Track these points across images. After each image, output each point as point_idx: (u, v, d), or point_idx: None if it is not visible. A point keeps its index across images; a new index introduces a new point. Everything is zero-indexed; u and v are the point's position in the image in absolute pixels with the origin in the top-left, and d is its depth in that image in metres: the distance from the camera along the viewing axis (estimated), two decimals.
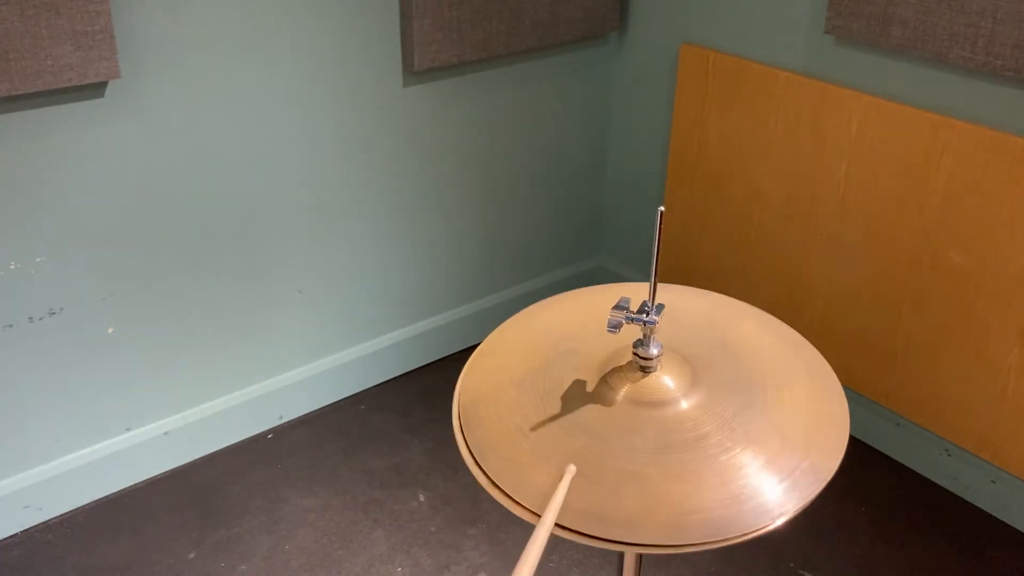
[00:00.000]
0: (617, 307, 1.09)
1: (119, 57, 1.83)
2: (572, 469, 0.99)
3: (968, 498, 2.16)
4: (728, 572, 1.96)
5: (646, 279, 2.79)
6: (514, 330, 1.25)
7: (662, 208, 1.01)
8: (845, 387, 2.27)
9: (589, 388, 1.11)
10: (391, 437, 2.32)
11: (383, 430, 2.35)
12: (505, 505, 1.00)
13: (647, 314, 1.08)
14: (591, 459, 1.01)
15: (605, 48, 2.62)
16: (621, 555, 1.21)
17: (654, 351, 1.09)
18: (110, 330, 2.02)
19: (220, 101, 2.00)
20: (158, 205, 2.00)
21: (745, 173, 2.36)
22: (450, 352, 2.62)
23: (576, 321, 1.24)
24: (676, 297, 1.27)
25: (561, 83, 2.56)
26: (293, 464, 2.23)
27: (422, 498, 2.14)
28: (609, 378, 1.11)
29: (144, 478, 2.17)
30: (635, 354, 1.10)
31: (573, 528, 0.95)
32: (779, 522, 0.97)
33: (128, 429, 2.13)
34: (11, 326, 1.89)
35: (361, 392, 2.48)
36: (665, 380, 1.10)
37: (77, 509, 2.09)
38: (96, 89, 1.84)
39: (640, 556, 1.21)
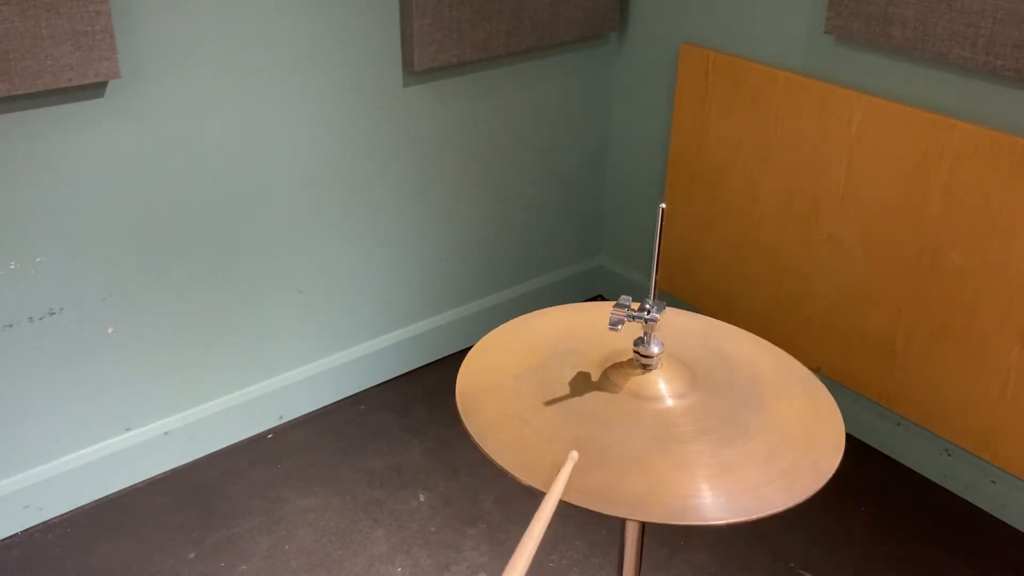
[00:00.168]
0: (618, 305, 1.09)
1: (119, 57, 1.83)
2: (574, 455, 1.00)
3: (968, 498, 2.16)
4: (728, 572, 1.96)
5: (646, 279, 2.79)
6: (510, 333, 1.25)
7: (663, 205, 1.01)
8: (845, 387, 2.28)
9: (590, 382, 1.11)
10: (391, 437, 2.32)
11: (383, 430, 2.35)
12: (514, 475, 1.01)
13: (648, 312, 1.08)
14: (595, 444, 1.03)
15: (605, 48, 2.62)
16: (621, 556, 1.21)
17: (655, 349, 1.10)
18: (110, 330, 2.02)
19: (220, 101, 2.00)
20: (158, 205, 2.00)
21: (745, 173, 2.36)
22: (450, 352, 2.62)
23: (574, 326, 1.25)
24: (670, 318, 1.28)
25: (561, 83, 2.56)
26: (293, 464, 2.23)
27: (422, 498, 2.13)
28: (610, 373, 1.12)
29: (144, 478, 2.17)
30: (636, 352, 1.10)
31: (576, 503, 0.97)
32: (780, 509, 0.97)
33: (128, 429, 2.13)
34: (11, 326, 1.89)
35: (361, 392, 2.48)
36: (666, 376, 1.11)
37: (77, 509, 2.09)
38: (96, 89, 1.84)
39: (640, 556, 1.21)
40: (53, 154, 1.83)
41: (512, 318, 1.29)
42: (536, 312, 1.30)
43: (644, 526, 1.21)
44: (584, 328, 1.23)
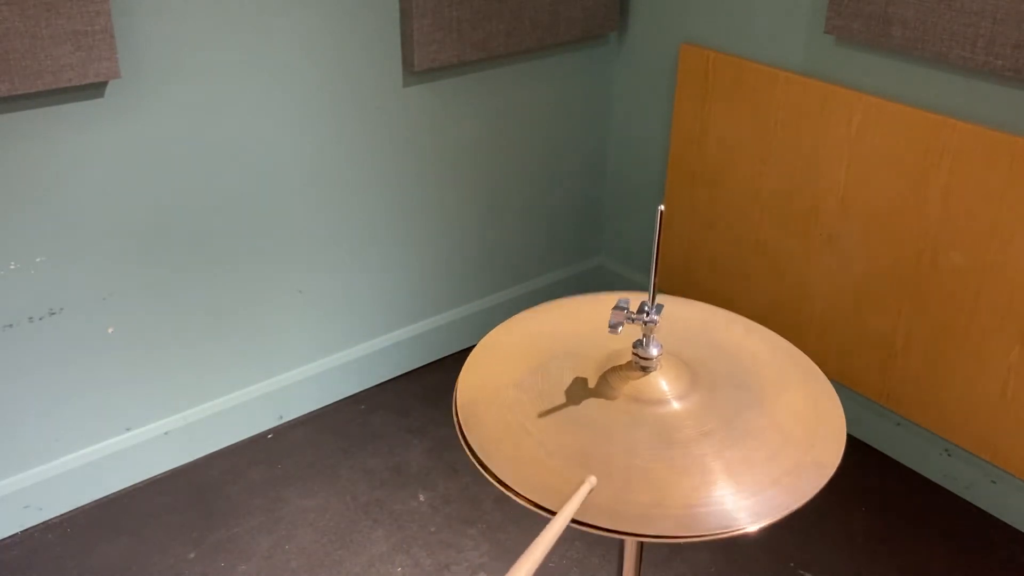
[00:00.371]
0: (617, 307, 1.09)
1: (119, 57, 1.83)
2: (592, 480, 0.98)
3: (968, 498, 2.16)
4: (728, 572, 1.96)
5: (646, 279, 2.79)
6: (508, 334, 1.25)
7: (662, 207, 1.01)
8: (845, 387, 2.28)
9: (590, 387, 1.11)
10: (391, 437, 2.32)
11: (383, 430, 2.35)
12: (517, 501, 1.00)
13: (647, 314, 1.08)
14: (597, 454, 1.02)
15: (605, 48, 2.62)
16: (621, 556, 1.21)
17: (654, 351, 1.10)
18: (110, 330, 2.02)
19: (220, 101, 2.00)
20: (158, 205, 2.00)
21: (745, 173, 2.36)
22: (450, 352, 2.62)
23: (571, 325, 1.25)
24: (668, 307, 1.27)
25: (561, 83, 2.56)
26: (293, 464, 2.23)
27: (422, 498, 2.14)
28: (609, 377, 1.11)
29: (144, 478, 2.17)
30: (635, 354, 1.10)
31: (583, 521, 0.96)
32: (785, 515, 0.97)
33: (128, 429, 2.13)
34: (11, 326, 1.89)
35: (361, 392, 2.48)
36: (666, 379, 1.10)
37: (77, 509, 2.09)
38: (96, 89, 1.84)
39: (640, 556, 1.21)
40: (53, 154, 1.83)
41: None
42: (531, 309, 1.30)
43: None
44: (582, 329, 1.22)
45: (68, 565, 1.95)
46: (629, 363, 1.11)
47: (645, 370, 1.10)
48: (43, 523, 2.05)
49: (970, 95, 1.94)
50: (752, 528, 0.95)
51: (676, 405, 1.08)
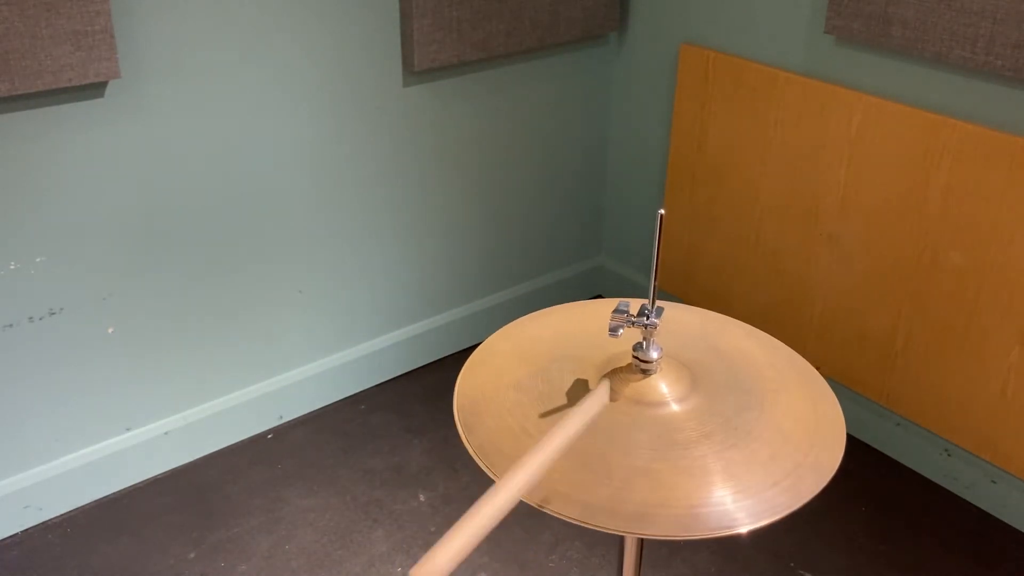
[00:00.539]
0: (617, 311, 1.09)
1: (119, 57, 1.83)
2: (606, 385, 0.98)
3: (968, 498, 2.16)
4: (728, 572, 1.96)
5: (646, 279, 2.79)
6: (507, 338, 1.25)
7: (662, 211, 1.01)
8: (845, 387, 2.28)
9: (590, 388, 1.11)
10: (391, 437, 2.33)
11: (383, 430, 2.35)
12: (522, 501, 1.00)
13: (647, 317, 1.08)
14: (598, 455, 1.02)
15: (605, 48, 2.62)
16: (621, 556, 1.21)
17: (654, 354, 1.10)
18: (110, 330, 2.02)
19: (220, 101, 2.00)
20: (158, 205, 2.00)
21: (745, 173, 2.36)
22: (450, 352, 2.62)
23: (571, 329, 1.25)
24: (668, 312, 1.28)
25: (561, 83, 2.56)
26: (293, 464, 2.23)
27: (422, 498, 2.14)
28: (610, 379, 1.12)
29: (144, 478, 2.17)
30: (635, 357, 1.10)
31: (584, 521, 0.96)
32: (785, 514, 0.97)
33: (128, 429, 2.13)
34: (11, 326, 1.89)
35: (361, 392, 2.48)
36: (666, 381, 1.11)
37: (77, 509, 2.09)
38: (96, 89, 1.84)
39: (640, 556, 1.21)
40: (53, 154, 1.83)
41: (512, 318, 1.28)
42: (531, 315, 1.30)
43: None
44: (581, 332, 1.22)
45: (68, 565, 1.95)
46: (629, 366, 1.12)
47: (645, 373, 1.10)
48: (43, 523, 2.05)
49: (970, 95, 1.94)
50: (752, 527, 0.95)
51: (676, 407, 1.09)
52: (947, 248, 2.01)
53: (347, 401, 2.45)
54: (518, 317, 1.29)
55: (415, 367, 2.57)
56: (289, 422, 2.37)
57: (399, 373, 2.55)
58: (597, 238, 2.87)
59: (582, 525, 0.96)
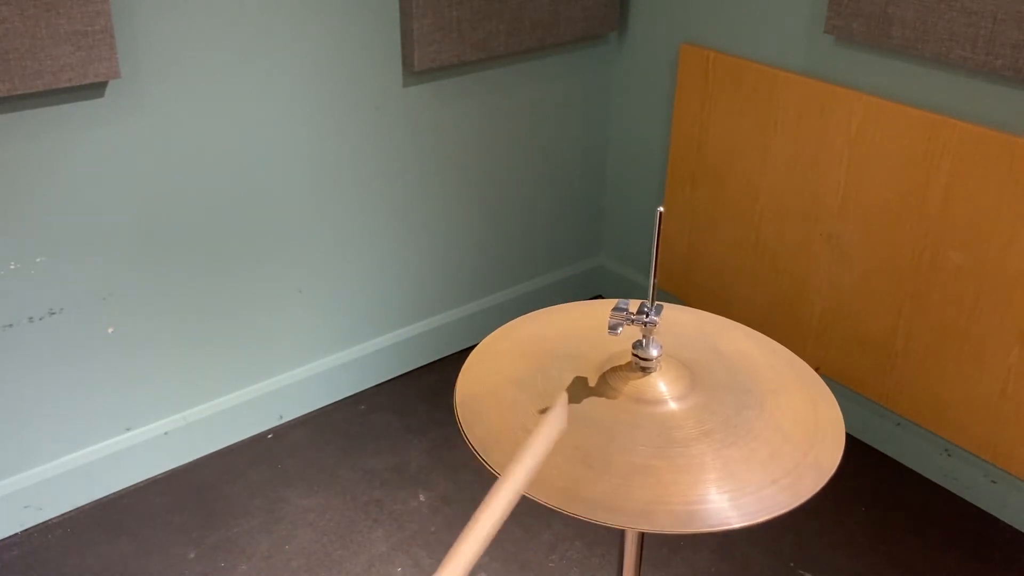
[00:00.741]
0: (617, 309, 1.09)
1: (119, 57, 1.83)
2: (564, 397, 0.99)
3: (968, 498, 2.16)
4: (727, 572, 1.96)
5: (646, 279, 2.79)
6: (507, 337, 1.25)
7: (661, 209, 1.01)
8: (845, 387, 2.28)
9: (589, 387, 1.11)
10: (391, 437, 2.33)
11: (383, 430, 2.35)
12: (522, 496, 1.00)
13: (647, 315, 1.08)
14: (598, 452, 1.02)
15: (605, 48, 2.62)
16: (621, 556, 1.21)
17: (654, 352, 1.10)
18: (110, 330, 2.02)
19: (220, 101, 2.00)
20: (158, 205, 2.00)
21: (745, 173, 2.36)
22: (450, 352, 2.62)
23: (571, 328, 1.25)
24: (667, 313, 1.28)
25: (561, 83, 2.56)
26: (293, 464, 2.23)
27: (422, 498, 2.14)
28: (609, 377, 1.12)
29: (144, 478, 2.17)
30: (635, 355, 1.10)
31: (584, 517, 0.96)
32: (784, 512, 0.97)
33: (128, 429, 2.13)
34: (11, 326, 1.89)
35: (361, 392, 2.48)
36: (666, 379, 1.11)
37: (77, 509, 2.09)
38: (96, 89, 1.84)
39: (640, 556, 1.21)
40: (53, 154, 1.83)
41: (512, 318, 1.29)
42: (531, 314, 1.30)
43: None
44: (581, 331, 1.22)
45: (68, 565, 1.95)
46: (629, 364, 1.12)
47: (645, 371, 1.10)
48: (43, 523, 2.05)
49: (970, 95, 1.94)
50: (751, 522, 0.95)
51: (675, 405, 1.09)
52: (947, 248, 2.01)
53: (347, 401, 2.45)
54: (517, 317, 1.29)
55: (415, 367, 2.57)
56: (289, 422, 2.37)
57: (399, 373, 2.55)
58: (597, 238, 2.87)
59: (582, 520, 0.96)
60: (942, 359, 2.09)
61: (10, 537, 2.01)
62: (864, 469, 2.26)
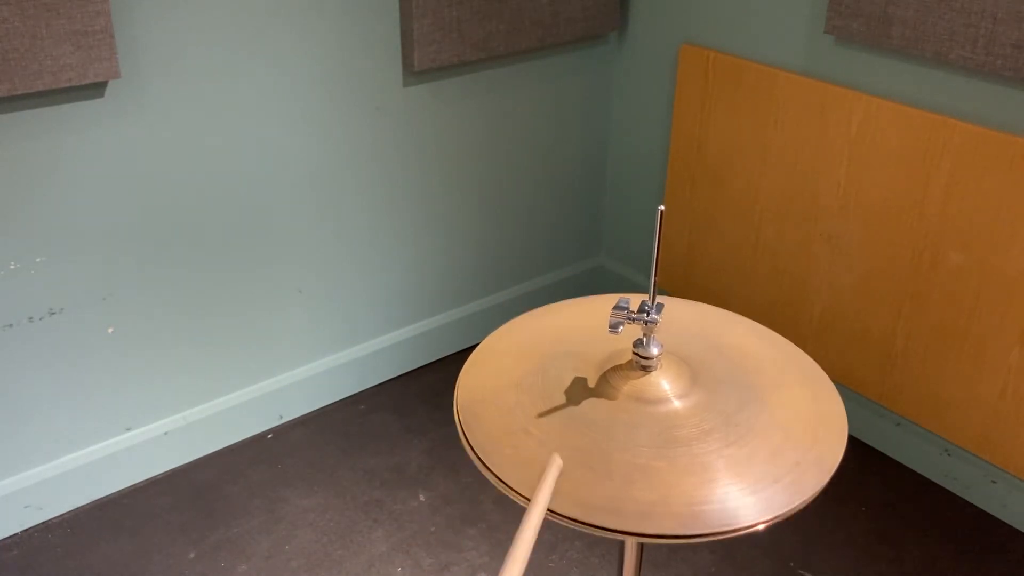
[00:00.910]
0: (617, 307, 1.09)
1: (119, 57, 1.83)
2: (558, 461, 0.98)
3: (968, 498, 2.16)
4: (727, 572, 1.96)
5: (646, 279, 2.79)
6: (508, 336, 1.25)
7: (662, 207, 1.01)
8: (845, 387, 2.28)
9: (590, 387, 1.11)
10: (391, 437, 2.32)
11: (383, 430, 2.35)
12: (518, 501, 1.00)
13: (648, 313, 1.08)
14: (598, 453, 1.02)
15: (605, 48, 2.62)
16: (621, 556, 1.21)
17: (654, 350, 1.09)
18: (110, 330, 2.02)
19: (220, 101, 2.00)
20: (158, 205, 2.00)
21: (745, 173, 2.36)
22: (450, 352, 2.62)
23: (571, 325, 1.24)
24: (668, 308, 1.28)
25: (561, 83, 2.56)
26: (293, 464, 2.23)
27: (422, 498, 2.13)
28: (610, 376, 1.11)
29: (144, 478, 2.17)
30: (636, 354, 1.10)
31: (585, 521, 0.96)
32: (788, 512, 0.97)
33: (128, 429, 2.13)
34: (11, 326, 1.89)
35: (361, 392, 2.48)
36: (666, 378, 1.10)
37: (77, 509, 2.09)
38: (96, 89, 1.84)
39: (640, 556, 1.21)
40: (53, 154, 1.83)
41: (512, 318, 1.28)
42: (532, 312, 1.30)
43: None
44: (581, 329, 1.22)
45: (68, 565, 1.95)
46: (629, 363, 1.11)
47: (646, 369, 1.10)
48: (43, 523, 2.05)
49: (970, 95, 1.94)
50: (757, 522, 0.95)
51: (677, 404, 1.09)
52: (947, 248, 2.01)
53: (347, 401, 2.45)
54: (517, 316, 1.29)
55: (415, 367, 2.57)
56: (289, 422, 2.37)
57: (399, 373, 2.55)
58: (597, 238, 2.87)
59: (585, 525, 0.96)
60: (942, 359, 2.09)
61: (10, 537, 2.01)
62: (864, 469, 2.26)
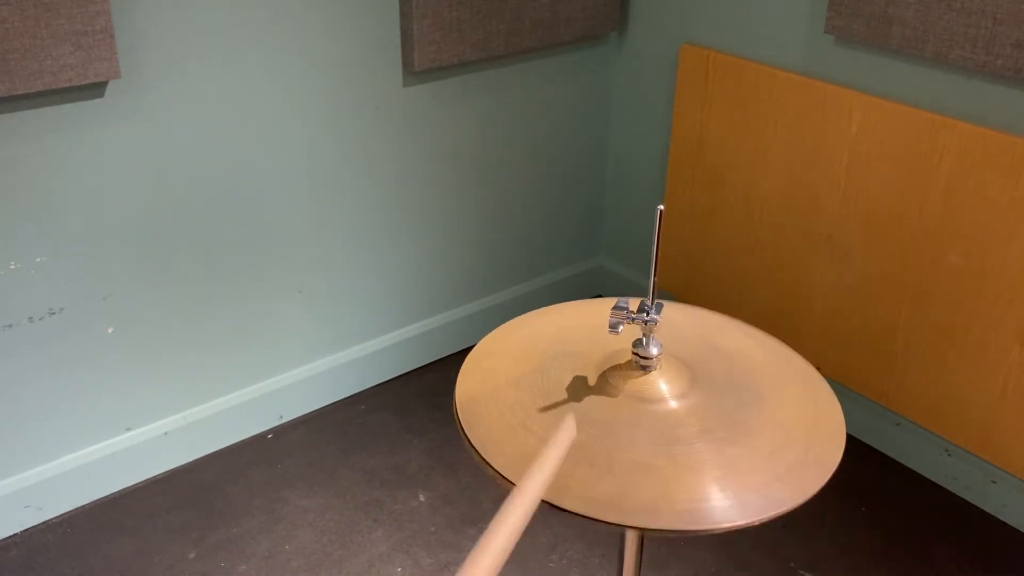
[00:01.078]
0: (617, 307, 1.09)
1: (119, 57, 1.83)
2: (572, 428, 0.98)
3: (968, 498, 2.16)
4: (727, 572, 1.95)
5: (646, 279, 2.79)
6: (506, 336, 1.25)
7: (661, 207, 1.01)
8: (845, 387, 2.28)
9: (589, 386, 1.11)
10: (391, 437, 2.32)
11: (383, 430, 2.35)
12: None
13: (647, 313, 1.08)
14: (600, 450, 1.02)
15: (605, 48, 2.62)
16: (621, 556, 1.21)
17: (654, 350, 1.10)
18: (110, 330, 2.02)
19: (220, 101, 2.00)
20: (158, 205, 2.00)
21: (745, 173, 2.36)
22: (450, 352, 2.62)
23: (569, 327, 1.25)
24: (667, 312, 1.28)
25: (561, 83, 2.56)
26: (293, 464, 2.23)
27: (422, 498, 2.14)
28: (609, 376, 1.12)
29: (144, 478, 2.17)
30: (635, 354, 1.10)
31: (588, 515, 0.96)
32: (789, 509, 0.97)
33: (128, 429, 2.13)
34: (11, 326, 1.89)
35: (361, 392, 2.48)
36: (666, 377, 1.11)
37: (77, 509, 2.09)
38: (96, 89, 1.84)
39: (640, 556, 1.21)
40: (53, 154, 1.83)
41: (512, 318, 1.28)
42: (531, 313, 1.30)
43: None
44: (580, 329, 1.22)
45: (68, 565, 1.95)
46: (629, 362, 1.11)
47: (645, 369, 1.10)
48: (43, 523, 2.05)
49: (970, 95, 1.94)
50: (757, 519, 0.95)
51: (676, 403, 1.09)
52: (947, 248, 2.01)
53: (347, 401, 2.45)
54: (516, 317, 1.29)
55: (415, 367, 2.57)
56: (289, 422, 2.37)
57: (399, 373, 2.55)
58: (597, 238, 2.87)
59: (586, 519, 0.96)
60: (942, 359, 2.09)
61: (10, 537, 2.01)
62: (864, 469, 2.26)
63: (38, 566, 1.94)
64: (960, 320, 2.03)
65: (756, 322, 2.22)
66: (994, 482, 2.10)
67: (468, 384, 1.15)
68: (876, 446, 2.31)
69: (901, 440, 2.25)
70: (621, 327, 1.08)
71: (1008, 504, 2.09)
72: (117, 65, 1.80)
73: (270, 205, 2.16)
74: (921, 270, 2.07)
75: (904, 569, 1.97)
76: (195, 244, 2.07)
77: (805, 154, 2.22)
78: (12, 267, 1.86)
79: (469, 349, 1.22)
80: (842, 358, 2.28)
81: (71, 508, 2.09)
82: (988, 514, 2.12)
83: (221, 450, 2.27)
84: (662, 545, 2.01)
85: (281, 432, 2.34)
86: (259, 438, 2.32)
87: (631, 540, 1.19)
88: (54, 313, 1.94)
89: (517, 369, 1.15)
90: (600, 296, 2.96)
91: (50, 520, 2.06)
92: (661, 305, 1.10)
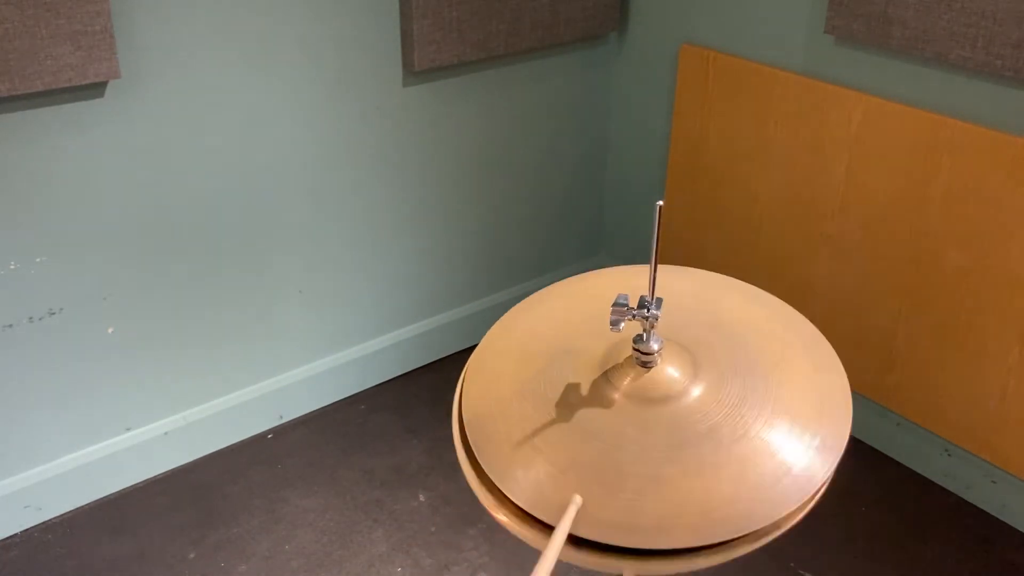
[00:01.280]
0: (617, 304, 1.08)
1: (119, 57, 1.83)
2: (578, 500, 0.96)
3: (968, 498, 2.15)
4: (727, 572, 1.95)
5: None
6: (505, 336, 1.22)
7: (660, 202, 1.01)
8: None
9: (593, 390, 1.09)
10: (391, 437, 2.32)
11: (383, 430, 2.35)
12: (529, 539, 0.97)
13: (647, 309, 1.07)
14: (609, 467, 0.99)
15: (605, 48, 2.62)
16: None
17: (655, 346, 1.09)
18: (110, 330, 2.02)
19: (220, 101, 2.00)
20: (158, 205, 2.00)
21: (745, 173, 2.36)
22: (450, 352, 2.62)
23: (564, 318, 1.23)
24: (666, 278, 1.26)
25: (561, 83, 2.56)
26: (293, 464, 2.23)
27: (422, 498, 2.13)
28: (611, 376, 1.10)
29: (144, 478, 2.17)
30: (636, 350, 1.10)
31: (599, 541, 0.93)
32: (799, 504, 0.96)
33: (128, 429, 2.13)
34: (11, 326, 1.89)
35: (361, 392, 2.48)
36: (668, 373, 1.09)
37: (77, 509, 2.09)
38: (96, 89, 1.84)
39: None
40: (53, 154, 1.83)
41: None
42: (525, 301, 1.28)
43: None
44: (579, 325, 1.21)
45: (68, 565, 1.95)
46: (629, 359, 1.11)
47: (646, 366, 1.09)
48: (43, 523, 2.05)
49: (970, 95, 1.94)
50: (773, 520, 0.93)
51: (681, 401, 1.07)
52: (947, 248, 2.01)
53: (347, 401, 2.45)
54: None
55: (415, 367, 2.57)
56: (289, 422, 2.37)
57: (399, 373, 2.55)
58: (597, 238, 2.87)
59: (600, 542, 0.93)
60: (942, 359, 2.09)
61: (10, 537, 2.01)
62: (864, 469, 2.26)
63: (38, 566, 1.94)
64: (960, 320, 2.03)
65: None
66: (994, 482, 2.10)
67: (469, 401, 1.11)
68: (876, 446, 2.31)
69: (901, 440, 2.25)
70: (622, 324, 1.07)
71: (1008, 504, 2.09)
72: (117, 65, 1.80)
73: (270, 204, 2.16)
74: (921, 270, 2.07)
75: (904, 569, 1.97)
76: (195, 244, 2.07)
77: (805, 154, 2.22)
78: (12, 267, 1.86)
79: (469, 349, 1.22)
80: (842, 358, 2.27)
81: (71, 508, 2.09)
82: (988, 514, 2.12)
83: (221, 450, 2.27)
84: None
85: (281, 432, 2.34)
86: (259, 438, 2.32)
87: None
88: (54, 313, 1.94)
89: (519, 375, 1.12)
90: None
91: (50, 520, 2.06)
92: (661, 300, 1.09)
